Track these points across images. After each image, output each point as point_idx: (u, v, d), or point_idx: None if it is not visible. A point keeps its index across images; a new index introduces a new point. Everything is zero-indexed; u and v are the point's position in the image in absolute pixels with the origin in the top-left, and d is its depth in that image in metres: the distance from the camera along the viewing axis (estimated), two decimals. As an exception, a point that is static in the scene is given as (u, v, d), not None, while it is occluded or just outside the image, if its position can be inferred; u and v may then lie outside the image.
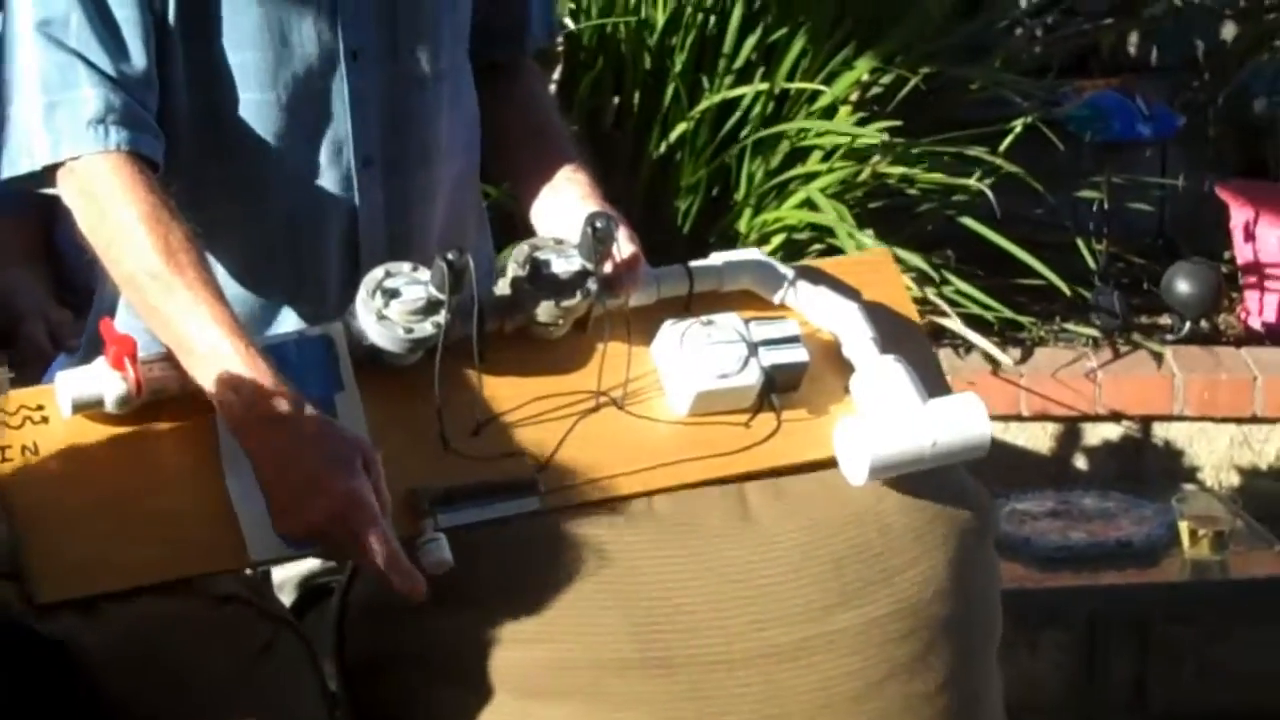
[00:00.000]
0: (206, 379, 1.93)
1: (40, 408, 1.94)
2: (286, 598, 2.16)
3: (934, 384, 2.12)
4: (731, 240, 4.22)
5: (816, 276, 2.18)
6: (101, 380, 1.92)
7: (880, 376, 2.07)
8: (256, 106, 2.14)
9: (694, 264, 2.16)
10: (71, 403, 1.92)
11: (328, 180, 2.18)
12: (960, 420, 2.06)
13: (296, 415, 1.90)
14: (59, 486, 1.91)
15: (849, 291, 2.17)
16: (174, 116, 2.12)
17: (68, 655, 1.82)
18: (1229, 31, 4.96)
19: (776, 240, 4.20)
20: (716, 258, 2.18)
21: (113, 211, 2.01)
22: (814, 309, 2.14)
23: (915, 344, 2.19)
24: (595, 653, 1.95)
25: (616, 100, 4.21)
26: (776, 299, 2.16)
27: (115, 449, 1.94)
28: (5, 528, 1.98)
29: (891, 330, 2.14)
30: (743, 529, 2.02)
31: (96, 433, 1.94)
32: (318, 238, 2.19)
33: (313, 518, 1.88)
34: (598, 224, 2.02)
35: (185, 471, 1.95)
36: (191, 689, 1.85)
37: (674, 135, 4.18)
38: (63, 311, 3.38)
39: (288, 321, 2.20)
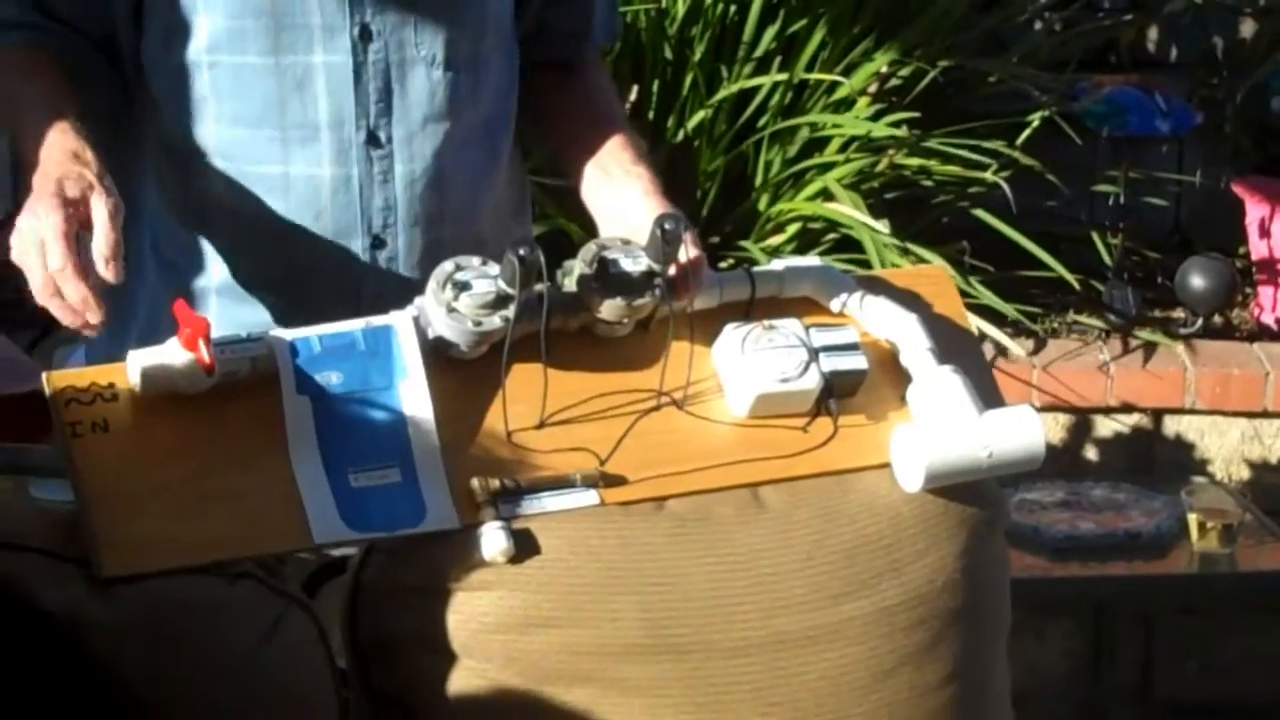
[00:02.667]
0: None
1: (111, 385, 1.95)
2: (298, 576, 2.18)
3: (989, 397, 2.12)
4: (748, 229, 4.24)
5: (876, 286, 2.19)
6: (174, 360, 1.93)
7: (937, 386, 2.08)
8: (252, 71, 2.18)
9: (756, 269, 2.18)
10: (142, 380, 1.94)
11: (328, 153, 2.21)
12: (1016, 432, 2.07)
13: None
14: (127, 463, 1.92)
15: (908, 302, 2.17)
16: (154, 75, 2.19)
17: (62, 627, 1.82)
18: (1248, 29, 4.97)
19: (792, 229, 4.21)
20: (778, 263, 2.20)
21: None
22: (873, 318, 2.15)
23: (971, 357, 2.19)
24: (605, 639, 1.96)
25: (635, 88, 4.23)
26: (836, 306, 2.17)
27: (183, 429, 1.95)
28: (23, 501, 2.01)
29: (948, 342, 2.14)
30: (755, 517, 2.03)
31: (165, 412, 1.95)
32: (314, 210, 2.23)
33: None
34: (667, 225, 2.02)
35: (252, 453, 1.96)
36: (200, 666, 1.86)
37: (692, 124, 4.20)
38: None
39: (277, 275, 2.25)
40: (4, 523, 1.89)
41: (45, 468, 2.02)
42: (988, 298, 4.04)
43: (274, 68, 2.18)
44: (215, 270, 2.27)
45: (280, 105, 2.19)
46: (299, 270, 2.25)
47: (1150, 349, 4.16)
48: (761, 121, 4.20)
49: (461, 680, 1.96)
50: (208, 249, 2.27)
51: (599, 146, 2.30)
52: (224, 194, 2.23)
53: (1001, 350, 4.03)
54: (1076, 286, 4.18)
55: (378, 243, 2.25)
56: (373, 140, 2.22)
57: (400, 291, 2.09)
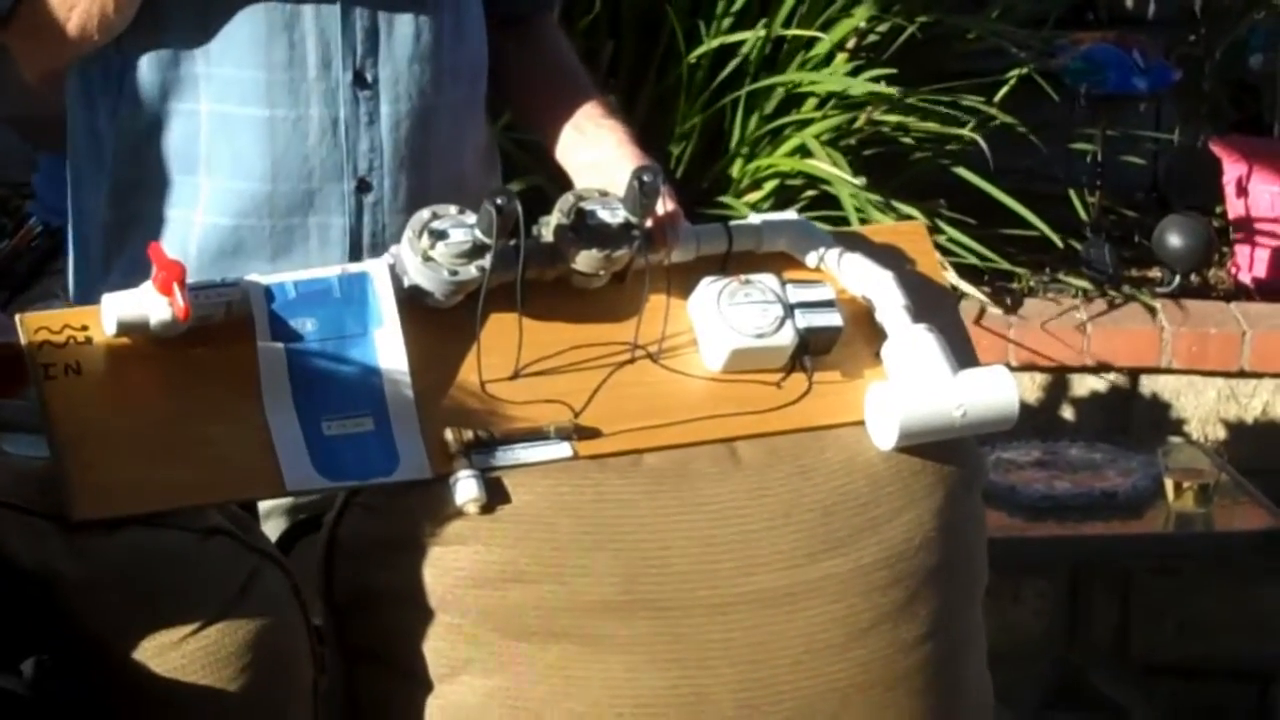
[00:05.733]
0: None
1: (85, 328, 1.95)
2: (273, 532, 2.17)
3: (964, 355, 2.13)
4: (724, 186, 4.23)
5: (853, 242, 2.19)
6: (148, 304, 1.92)
7: (912, 345, 2.09)
8: (241, 9, 2.17)
9: (733, 223, 2.18)
10: (117, 324, 1.93)
11: (315, 94, 2.20)
12: (989, 391, 2.08)
13: None
14: (99, 407, 1.92)
15: (884, 259, 2.17)
16: (136, 20, 2.16)
17: (35, 582, 1.81)
18: (1226, -14, 4.96)
19: (769, 186, 4.20)
20: (756, 218, 2.20)
21: None
22: (849, 274, 2.15)
23: (947, 315, 2.20)
24: (582, 595, 1.96)
25: (612, 44, 4.21)
26: (812, 262, 2.16)
27: (157, 373, 1.95)
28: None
29: (924, 300, 2.15)
30: (732, 474, 2.03)
31: (139, 356, 1.95)
32: (300, 154, 2.22)
33: None
34: (645, 178, 2.03)
35: (225, 398, 1.96)
36: (173, 621, 1.85)
37: (669, 80, 4.18)
38: None
39: (262, 220, 2.23)
40: (-26, 478, 1.89)
41: (17, 423, 2.01)
42: (966, 257, 4.03)
43: (263, 6, 2.17)
44: (198, 221, 2.24)
45: (268, 45, 2.18)
46: (283, 217, 2.23)
47: (1127, 308, 4.16)
48: (741, 76, 4.18)
49: (437, 635, 1.96)
50: (187, 201, 2.24)
51: (567, 106, 2.30)
52: (207, 139, 2.21)
53: (979, 308, 4.02)
54: (1060, 245, 4.17)
55: (363, 186, 2.24)
56: (359, 81, 2.22)
57: (386, 238, 2.08)
